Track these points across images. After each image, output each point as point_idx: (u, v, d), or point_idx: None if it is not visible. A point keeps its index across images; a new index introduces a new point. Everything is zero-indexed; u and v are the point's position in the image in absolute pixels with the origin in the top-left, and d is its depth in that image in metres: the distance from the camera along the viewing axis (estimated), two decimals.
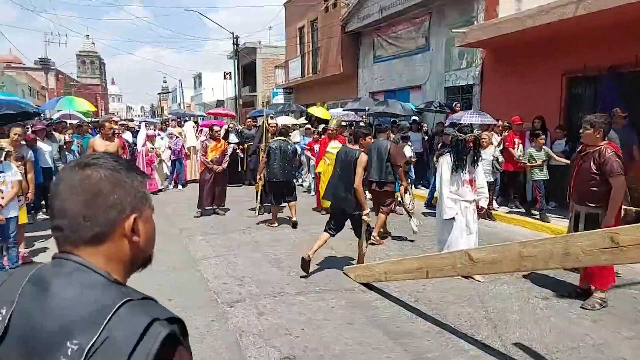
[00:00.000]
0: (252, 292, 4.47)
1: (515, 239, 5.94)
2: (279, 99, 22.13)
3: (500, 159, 7.75)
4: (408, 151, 7.98)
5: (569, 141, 7.74)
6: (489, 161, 7.66)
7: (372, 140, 5.52)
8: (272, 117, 7.77)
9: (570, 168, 4.65)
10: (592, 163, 4.08)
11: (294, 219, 7.21)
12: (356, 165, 4.76)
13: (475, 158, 5.01)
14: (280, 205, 7.48)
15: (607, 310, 4.11)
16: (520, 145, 8.00)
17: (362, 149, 5.01)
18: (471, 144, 4.88)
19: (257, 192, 7.83)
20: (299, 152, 8.92)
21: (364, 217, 4.84)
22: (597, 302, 4.15)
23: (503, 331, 3.69)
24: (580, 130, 4.28)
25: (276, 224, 7.22)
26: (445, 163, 5.03)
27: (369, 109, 12.29)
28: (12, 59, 43.96)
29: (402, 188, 6.34)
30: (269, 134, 7.97)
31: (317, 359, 3.22)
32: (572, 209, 4.40)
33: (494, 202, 8.16)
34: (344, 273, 4.99)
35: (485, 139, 7.69)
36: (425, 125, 11.41)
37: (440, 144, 8.56)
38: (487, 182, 7.66)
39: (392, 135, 7.49)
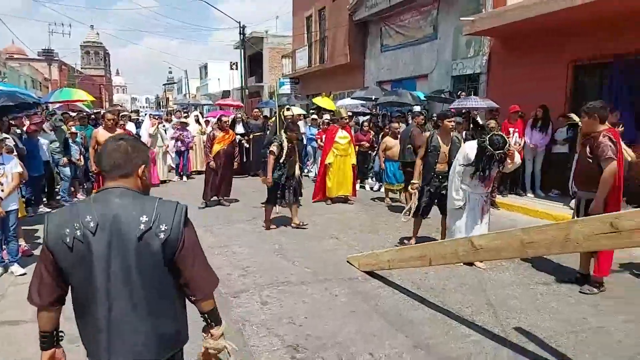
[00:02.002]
0: (256, 282, 4.52)
1: (517, 226, 5.92)
2: (286, 89, 22.06)
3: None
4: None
5: (571, 129, 7.69)
6: None
7: (452, 124, 5.37)
8: (288, 109, 7.57)
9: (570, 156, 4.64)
10: (588, 148, 4.08)
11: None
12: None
13: (501, 167, 4.78)
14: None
15: (605, 295, 4.15)
16: (516, 134, 7.97)
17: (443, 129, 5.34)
18: (497, 159, 4.56)
19: None
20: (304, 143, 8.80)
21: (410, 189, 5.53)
22: (596, 287, 4.18)
23: (504, 317, 3.72)
24: (580, 120, 4.28)
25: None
26: (461, 156, 4.87)
27: (377, 98, 12.24)
28: (15, 50, 43.99)
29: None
30: (285, 126, 7.74)
31: (319, 347, 3.25)
32: (576, 195, 4.40)
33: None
34: (347, 262, 5.02)
35: (493, 127, 7.65)
36: (435, 115, 11.28)
37: None
38: None
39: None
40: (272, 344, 3.30)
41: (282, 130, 6.55)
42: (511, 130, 8.04)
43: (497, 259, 3.58)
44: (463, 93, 10.65)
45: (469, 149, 4.79)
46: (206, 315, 1.72)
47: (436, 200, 5.48)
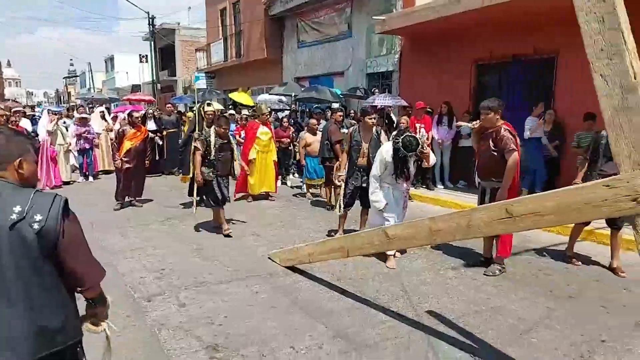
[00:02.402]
0: (173, 284, 4.33)
1: (428, 216, 6.31)
2: (201, 83, 21.31)
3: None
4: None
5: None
6: None
7: (372, 121, 5.47)
8: (209, 104, 7.18)
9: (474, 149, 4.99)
10: (490, 142, 4.44)
11: None
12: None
13: (421, 163, 4.91)
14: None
15: (506, 276, 4.55)
16: (422, 129, 8.47)
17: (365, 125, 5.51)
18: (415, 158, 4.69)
19: None
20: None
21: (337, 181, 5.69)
22: (497, 269, 4.58)
23: (417, 302, 3.93)
24: (482, 117, 4.57)
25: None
26: (379, 159, 4.84)
27: (296, 95, 12.28)
28: None
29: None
30: (205, 122, 6.87)
31: (240, 345, 3.20)
32: (479, 186, 4.77)
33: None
34: (269, 258, 4.99)
35: (403, 123, 8.07)
36: (352, 111, 11.56)
37: None
38: None
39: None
40: (190, 346, 3.18)
41: (210, 125, 6.24)
42: (417, 125, 8.51)
43: (409, 247, 3.79)
44: (376, 90, 11.05)
45: (386, 153, 4.79)
46: (90, 300, 1.79)
47: (358, 193, 5.64)
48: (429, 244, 3.39)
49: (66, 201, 1.64)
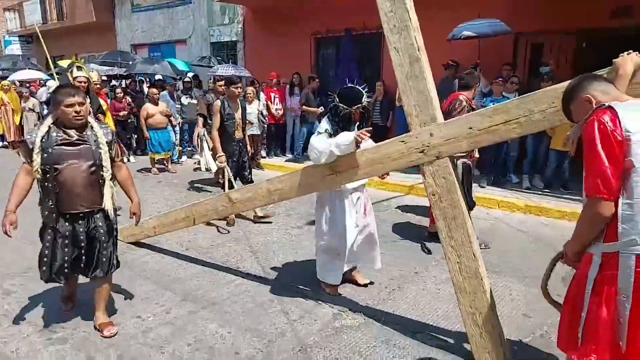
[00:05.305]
0: None
1: None
2: (14, 49, 18.24)
3: (265, 112, 8.39)
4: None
5: (320, 95, 8.88)
6: (255, 115, 8.20)
7: (238, 90, 5.25)
8: (79, 68, 4.91)
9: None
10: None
11: None
12: None
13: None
14: None
15: None
16: (277, 99, 8.77)
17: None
18: (357, 117, 3.27)
19: None
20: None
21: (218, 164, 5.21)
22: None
23: (263, 260, 4.23)
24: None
25: None
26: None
27: (134, 63, 11.33)
28: None
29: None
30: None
31: (80, 322, 3.08)
32: None
33: (263, 152, 8.89)
34: None
35: (250, 94, 8.17)
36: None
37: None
38: (254, 134, 8.27)
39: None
40: (21, 332, 2.97)
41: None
42: (272, 95, 8.73)
43: (251, 208, 3.99)
44: (213, 60, 10.86)
45: (321, 125, 3.34)
46: None
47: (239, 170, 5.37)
48: (269, 203, 3.63)
49: None
